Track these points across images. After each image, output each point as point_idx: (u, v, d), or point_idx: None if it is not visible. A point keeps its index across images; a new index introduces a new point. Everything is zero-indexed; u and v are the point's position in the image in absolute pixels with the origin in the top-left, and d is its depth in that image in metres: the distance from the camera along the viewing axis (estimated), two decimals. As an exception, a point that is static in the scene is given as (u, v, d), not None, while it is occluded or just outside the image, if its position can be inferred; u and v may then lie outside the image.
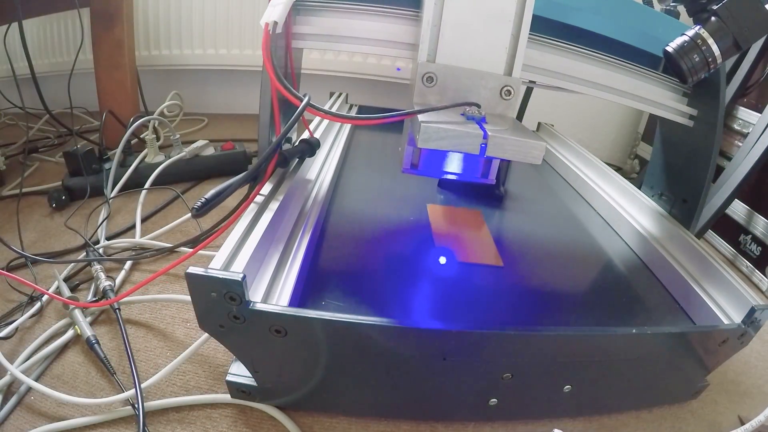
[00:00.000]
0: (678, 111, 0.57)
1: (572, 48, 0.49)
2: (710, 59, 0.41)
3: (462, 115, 0.38)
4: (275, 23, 0.40)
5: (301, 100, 0.39)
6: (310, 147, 0.54)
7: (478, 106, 0.39)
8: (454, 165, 0.43)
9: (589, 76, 0.50)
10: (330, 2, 0.45)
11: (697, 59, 0.41)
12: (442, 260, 0.51)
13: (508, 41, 0.39)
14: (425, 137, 0.34)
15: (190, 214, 0.67)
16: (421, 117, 0.36)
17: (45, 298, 0.50)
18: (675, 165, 0.63)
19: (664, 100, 0.56)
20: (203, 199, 0.36)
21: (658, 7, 0.56)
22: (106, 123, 0.83)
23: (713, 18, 0.41)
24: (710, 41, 0.41)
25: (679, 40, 0.43)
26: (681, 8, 0.52)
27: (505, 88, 0.40)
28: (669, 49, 0.43)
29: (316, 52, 1.13)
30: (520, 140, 0.35)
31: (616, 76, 0.52)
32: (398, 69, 1.15)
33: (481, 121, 0.37)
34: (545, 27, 0.48)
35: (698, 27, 0.42)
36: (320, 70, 1.15)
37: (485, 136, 0.34)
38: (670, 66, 0.44)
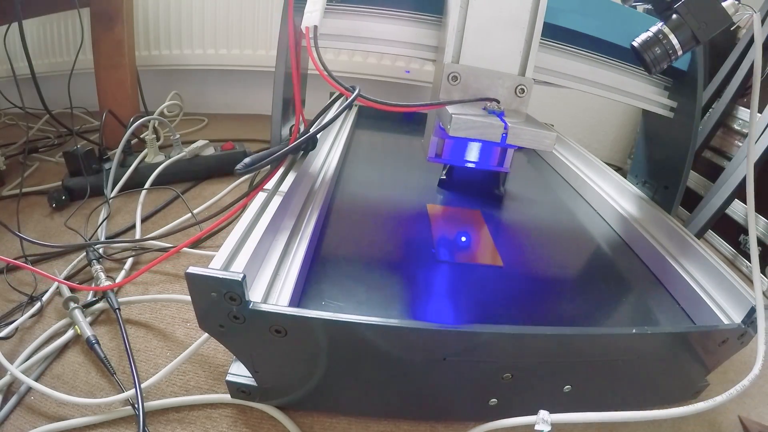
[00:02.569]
0: (659, 103, 0.61)
1: (561, 47, 0.54)
2: (671, 51, 0.45)
3: (484, 109, 0.43)
4: (315, 27, 0.44)
5: (352, 92, 0.44)
6: (312, 141, 0.54)
7: (498, 101, 0.44)
8: (473, 154, 0.48)
9: (576, 72, 0.55)
10: (346, 6, 0.50)
11: (659, 52, 0.45)
12: (464, 239, 0.56)
13: (522, 45, 0.44)
14: (456, 126, 0.39)
15: (190, 214, 0.67)
16: (451, 109, 0.41)
17: (45, 298, 0.50)
18: (657, 154, 0.66)
19: (647, 94, 0.60)
20: (243, 163, 0.41)
21: (639, 8, 0.58)
22: (106, 123, 0.83)
23: (674, 15, 0.44)
24: (671, 36, 0.44)
25: (643, 36, 0.46)
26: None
27: (519, 87, 0.45)
28: (634, 43, 0.47)
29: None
30: (535, 131, 0.40)
31: (601, 72, 0.56)
32: (407, 72, 1.16)
33: (500, 115, 0.42)
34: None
35: (661, 24, 0.46)
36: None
37: (506, 127, 0.39)
38: (636, 59, 0.48)
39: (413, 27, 0.50)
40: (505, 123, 0.40)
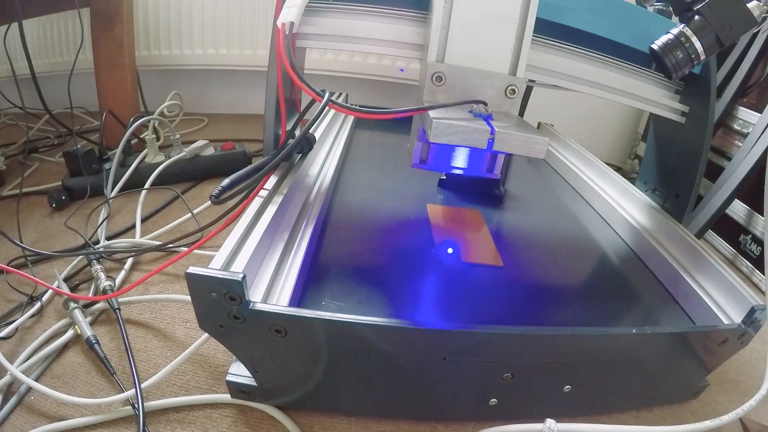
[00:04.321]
0: (670, 108, 0.58)
1: (568, 47, 0.51)
2: (693, 55, 0.43)
3: (470, 112, 0.39)
4: (291, 24, 0.41)
5: (322, 97, 0.41)
6: (308, 142, 0.54)
7: (485, 103, 0.40)
8: (460, 160, 0.45)
9: (584, 75, 0.52)
10: (333, 4, 0.47)
11: (680, 56, 0.43)
12: (450, 251, 0.53)
13: (512, 43, 0.41)
14: (437, 132, 0.36)
15: (189, 214, 0.67)
16: (432, 113, 0.37)
17: (45, 298, 0.50)
18: (668, 161, 0.64)
19: (657, 98, 0.57)
20: (220, 188, 0.37)
21: (649, 8, 0.57)
22: (106, 123, 0.83)
23: (697, 17, 0.42)
24: (693, 39, 0.42)
25: (663, 38, 0.44)
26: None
27: (510, 87, 0.41)
28: (654, 46, 0.45)
29: (316, 52, 1.13)
30: (525, 136, 0.37)
31: (610, 74, 0.53)
32: (401, 70, 1.15)
33: (488, 118, 0.39)
34: (542, 27, 0.49)
35: (682, 25, 0.44)
36: (320, 70, 1.15)
37: (492, 132, 0.36)
38: (655, 62, 0.46)
39: (403, 25, 0.47)
40: (492, 127, 0.36)
